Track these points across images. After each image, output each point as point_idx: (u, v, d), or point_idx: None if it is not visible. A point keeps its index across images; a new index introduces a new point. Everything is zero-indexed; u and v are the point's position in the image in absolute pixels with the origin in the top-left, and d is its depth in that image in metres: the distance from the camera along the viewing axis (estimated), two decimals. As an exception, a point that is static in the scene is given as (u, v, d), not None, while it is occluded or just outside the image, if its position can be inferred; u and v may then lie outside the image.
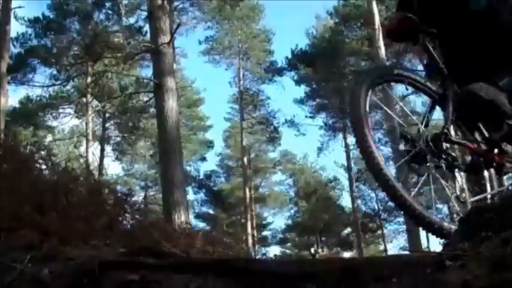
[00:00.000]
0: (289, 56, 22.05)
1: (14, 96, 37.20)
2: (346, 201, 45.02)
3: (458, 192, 2.18)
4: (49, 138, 20.58)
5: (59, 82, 18.36)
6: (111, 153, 24.08)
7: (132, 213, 3.55)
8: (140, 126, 21.43)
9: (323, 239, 30.33)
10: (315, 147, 30.33)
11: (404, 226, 18.47)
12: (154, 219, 3.74)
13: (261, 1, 24.80)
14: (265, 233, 31.79)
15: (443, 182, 2.21)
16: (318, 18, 23.86)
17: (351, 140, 24.80)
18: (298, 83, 23.27)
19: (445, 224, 1.99)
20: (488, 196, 2.26)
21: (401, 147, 2.15)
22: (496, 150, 2.12)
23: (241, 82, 25.42)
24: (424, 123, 2.15)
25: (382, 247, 29.82)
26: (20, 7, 14.04)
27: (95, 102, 19.86)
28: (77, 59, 17.66)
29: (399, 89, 25.60)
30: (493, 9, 2.09)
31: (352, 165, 24.79)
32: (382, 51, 14.62)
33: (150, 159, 26.77)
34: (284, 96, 61.15)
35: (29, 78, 18.38)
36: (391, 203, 2.47)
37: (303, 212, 29.69)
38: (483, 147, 2.16)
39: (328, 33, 21.42)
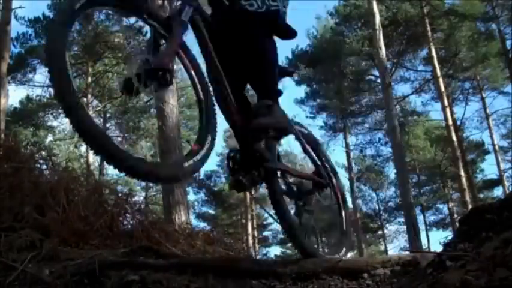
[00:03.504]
0: (290, 56, 22.06)
1: (15, 96, 37.22)
2: (346, 202, 44.92)
3: None
4: (49, 138, 20.59)
5: (59, 82, 18.34)
6: (112, 154, 24.03)
7: (133, 213, 3.54)
8: (141, 126, 21.42)
9: (323, 239, 30.31)
10: (315, 148, 30.28)
11: (405, 226, 18.48)
12: (155, 220, 3.73)
13: (262, 1, 24.78)
14: (265, 233, 31.78)
15: None
16: (319, 18, 23.86)
17: (351, 140, 24.84)
18: (298, 83, 23.27)
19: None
20: None
21: None
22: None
23: (242, 82, 25.40)
24: None
25: (382, 247, 29.84)
26: (20, 7, 14.03)
27: (96, 102, 19.86)
28: (77, 59, 17.65)
29: (399, 89, 25.44)
30: None
31: (353, 165, 24.80)
32: (383, 51, 14.59)
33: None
34: (284, 96, 61.07)
35: (29, 78, 18.41)
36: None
37: (303, 212, 29.63)
38: None
39: (329, 34, 21.41)
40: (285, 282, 1.87)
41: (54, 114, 19.98)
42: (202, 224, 25.44)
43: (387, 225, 28.55)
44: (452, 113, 19.28)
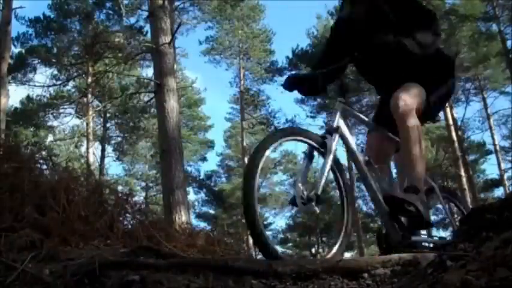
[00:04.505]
0: (290, 56, 22.08)
1: (15, 96, 37.29)
2: (346, 201, 44.93)
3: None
4: (50, 138, 20.60)
5: (60, 82, 18.38)
6: (112, 154, 24.11)
7: (133, 213, 3.55)
8: (141, 126, 21.43)
9: (324, 239, 30.32)
10: (315, 147, 30.31)
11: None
12: (155, 220, 3.73)
13: (262, 1, 24.84)
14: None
15: None
16: (319, 18, 23.88)
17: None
18: (299, 83, 23.25)
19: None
20: None
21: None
22: None
23: (242, 82, 25.41)
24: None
25: (382, 247, 29.81)
26: (21, 7, 14.05)
27: (96, 102, 19.86)
28: (78, 59, 17.67)
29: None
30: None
31: (353, 165, 24.77)
32: (383, 51, 14.60)
33: (150, 160, 26.79)
34: (285, 96, 61.17)
35: (30, 78, 18.43)
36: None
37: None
38: None
39: (329, 33, 21.39)
40: (285, 282, 1.87)
41: (54, 114, 20.02)
42: (203, 224, 25.42)
43: (387, 225, 28.52)
44: (452, 113, 19.27)
